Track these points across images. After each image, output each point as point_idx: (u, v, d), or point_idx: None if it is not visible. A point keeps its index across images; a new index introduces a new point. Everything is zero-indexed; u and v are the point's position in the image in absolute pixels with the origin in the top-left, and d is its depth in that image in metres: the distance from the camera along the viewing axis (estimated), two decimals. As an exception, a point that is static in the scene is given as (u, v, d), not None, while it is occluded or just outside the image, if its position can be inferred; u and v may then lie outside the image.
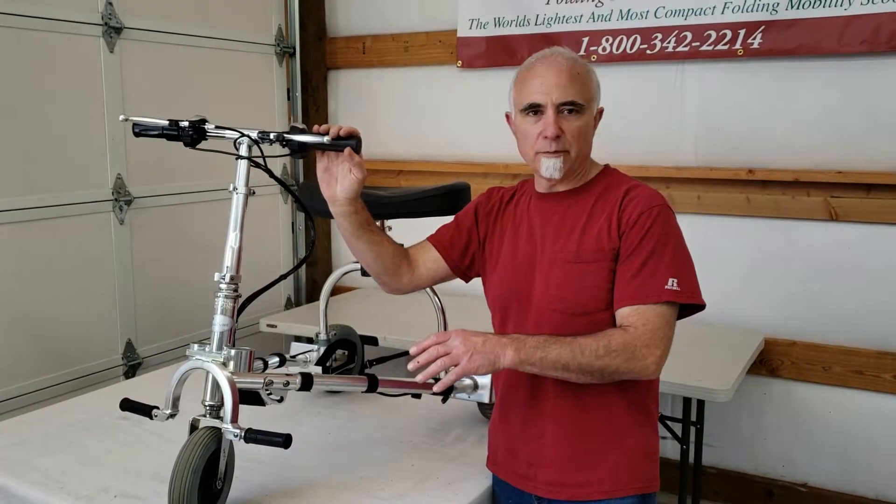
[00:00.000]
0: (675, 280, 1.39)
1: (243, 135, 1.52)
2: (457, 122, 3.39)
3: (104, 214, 2.71)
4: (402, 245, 1.70)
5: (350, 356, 2.04)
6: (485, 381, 1.78)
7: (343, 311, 3.11)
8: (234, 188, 1.48)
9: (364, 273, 1.89)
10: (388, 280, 1.68)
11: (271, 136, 1.50)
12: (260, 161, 1.50)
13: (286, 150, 1.54)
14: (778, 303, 2.86)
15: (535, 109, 1.51)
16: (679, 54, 2.93)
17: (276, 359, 1.87)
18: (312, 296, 3.57)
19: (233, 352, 1.43)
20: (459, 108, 3.38)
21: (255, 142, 1.51)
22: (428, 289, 1.93)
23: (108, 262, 2.74)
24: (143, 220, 2.84)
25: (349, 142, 1.46)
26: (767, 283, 2.86)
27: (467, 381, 1.79)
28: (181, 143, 1.53)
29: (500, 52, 3.24)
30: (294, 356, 1.96)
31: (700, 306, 1.44)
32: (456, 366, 1.36)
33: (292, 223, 3.54)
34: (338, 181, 1.52)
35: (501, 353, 1.36)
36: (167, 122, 1.53)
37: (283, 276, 1.62)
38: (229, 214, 1.49)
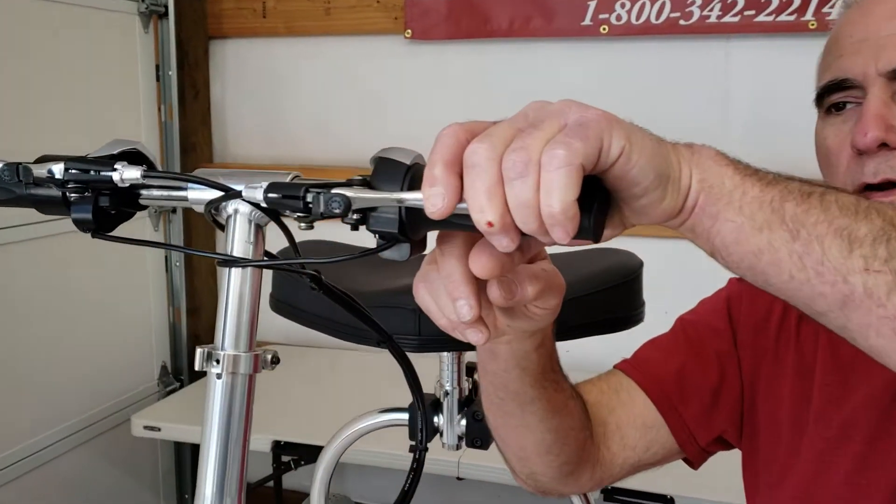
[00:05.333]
0: None
1: (229, 194, 0.55)
2: (403, 114, 2.47)
3: None
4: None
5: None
6: None
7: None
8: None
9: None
10: (555, 483, 0.84)
11: (327, 199, 0.52)
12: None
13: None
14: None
15: (840, 98, 0.80)
16: (725, 26, 2.16)
17: None
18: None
19: None
20: (407, 94, 2.47)
21: (277, 220, 0.56)
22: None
23: None
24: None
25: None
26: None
27: None
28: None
29: (467, 18, 2.34)
30: None
31: None
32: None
33: (166, 258, 2.48)
34: (518, 283, 0.59)
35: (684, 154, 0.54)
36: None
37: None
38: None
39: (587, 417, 0.83)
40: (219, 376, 0.55)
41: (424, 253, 0.58)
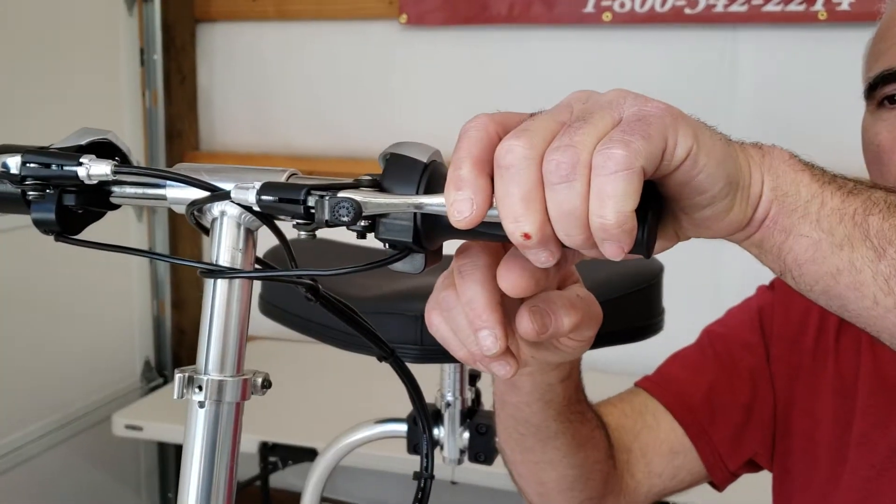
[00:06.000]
0: None
1: (215, 195, 0.48)
2: (397, 103, 2.39)
3: None
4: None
5: None
6: None
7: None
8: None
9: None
10: None
11: (333, 205, 0.44)
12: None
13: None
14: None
15: (892, 91, 0.71)
16: (731, 16, 2.09)
17: None
18: (181, 358, 2.44)
19: None
20: (402, 82, 2.38)
21: (271, 225, 0.48)
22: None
23: None
24: None
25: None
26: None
27: None
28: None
29: (464, 4, 2.26)
30: None
31: None
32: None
33: (149, 248, 2.39)
34: (553, 313, 0.50)
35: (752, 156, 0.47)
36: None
37: None
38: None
39: (611, 446, 0.76)
40: (201, 405, 0.48)
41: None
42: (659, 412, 0.82)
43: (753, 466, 0.85)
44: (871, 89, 0.73)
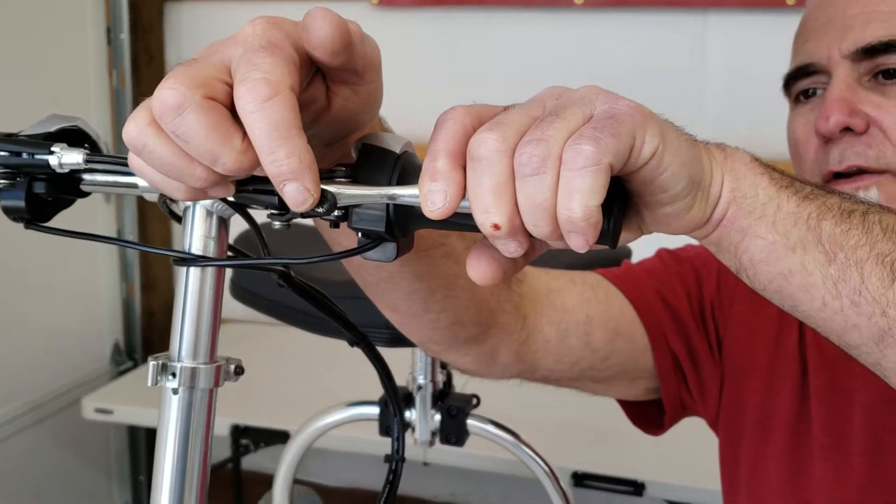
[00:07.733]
0: None
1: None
2: (369, 85, 2.36)
3: None
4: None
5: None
6: None
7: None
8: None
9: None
10: (461, 357, 0.75)
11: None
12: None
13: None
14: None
15: (808, 85, 0.76)
16: (700, 0, 2.10)
17: None
18: (151, 341, 2.42)
19: None
20: (373, 65, 2.35)
21: (244, 213, 0.49)
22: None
23: None
24: None
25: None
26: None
27: None
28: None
29: (438, -15, 2.25)
30: None
31: None
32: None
33: (118, 232, 2.37)
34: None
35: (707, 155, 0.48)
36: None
37: None
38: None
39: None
40: (175, 391, 0.48)
41: None
42: (612, 292, 0.80)
43: (685, 403, 0.84)
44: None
